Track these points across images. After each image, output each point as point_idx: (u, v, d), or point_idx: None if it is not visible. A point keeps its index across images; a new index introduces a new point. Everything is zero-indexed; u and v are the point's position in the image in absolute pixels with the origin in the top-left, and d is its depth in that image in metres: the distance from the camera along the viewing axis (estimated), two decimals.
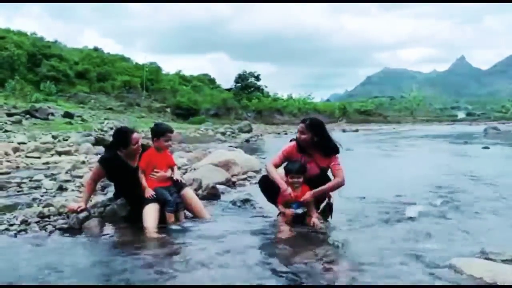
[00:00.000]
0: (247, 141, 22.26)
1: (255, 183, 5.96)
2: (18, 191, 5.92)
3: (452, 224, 4.22)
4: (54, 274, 2.85)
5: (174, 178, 4.31)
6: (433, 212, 4.75)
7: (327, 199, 4.28)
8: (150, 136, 4.49)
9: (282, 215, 4.15)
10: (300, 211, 4.06)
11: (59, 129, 20.86)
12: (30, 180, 6.71)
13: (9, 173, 7.79)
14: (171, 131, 4.39)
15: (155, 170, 4.22)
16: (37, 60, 43.15)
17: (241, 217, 4.56)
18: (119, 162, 4.26)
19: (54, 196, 5.38)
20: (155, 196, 4.10)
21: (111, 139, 4.58)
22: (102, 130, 21.76)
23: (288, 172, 4.10)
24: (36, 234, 3.84)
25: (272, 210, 4.48)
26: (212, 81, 73.59)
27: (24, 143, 12.89)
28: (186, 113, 44.19)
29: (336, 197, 4.41)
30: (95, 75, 47.35)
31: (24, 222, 4.05)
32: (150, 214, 4.04)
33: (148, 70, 53.54)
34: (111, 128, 22.54)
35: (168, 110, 45.60)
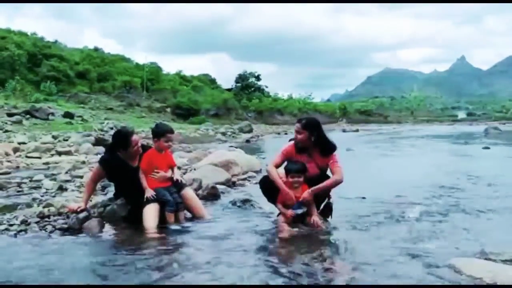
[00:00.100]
0: (248, 141, 22.29)
1: (255, 183, 5.97)
2: (18, 191, 5.93)
3: (452, 224, 4.22)
4: (54, 274, 2.85)
5: (174, 178, 4.31)
6: (433, 212, 4.75)
7: (327, 199, 4.28)
8: (150, 136, 4.49)
9: (282, 215, 4.15)
10: (300, 211, 4.06)
11: (60, 129, 20.86)
12: (30, 180, 6.72)
13: (9, 173, 7.80)
14: (172, 132, 4.38)
15: (155, 170, 4.22)
16: (38, 60, 43.19)
17: (241, 217, 4.55)
18: (119, 162, 4.27)
19: (54, 196, 5.38)
20: (155, 197, 4.10)
21: (111, 139, 4.58)
22: (102, 130, 21.75)
23: (288, 171, 4.09)
24: (36, 234, 3.84)
25: (272, 210, 4.48)
26: (212, 81, 73.59)
27: (25, 143, 12.91)
28: (186, 113, 44.17)
29: (336, 197, 4.41)
30: (96, 75, 47.38)
31: (24, 222, 4.05)
32: (150, 214, 4.04)
33: (149, 70, 53.58)
34: (111, 128, 22.53)
35: (169, 110, 45.59)
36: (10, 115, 22.77)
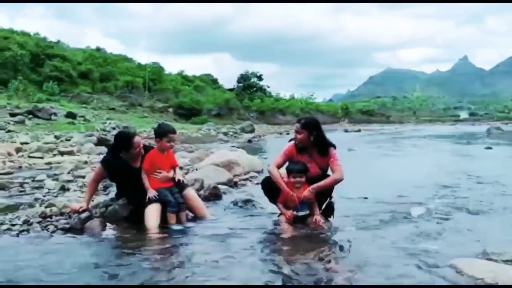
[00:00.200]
0: (250, 141, 22.30)
1: (257, 183, 5.97)
2: (21, 191, 5.94)
3: (454, 225, 4.21)
4: (56, 274, 2.85)
5: (176, 178, 4.31)
6: (435, 212, 4.73)
7: (328, 198, 4.29)
8: (152, 136, 4.50)
9: (283, 215, 4.15)
10: (301, 214, 4.06)
11: (62, 129, 20.92)
12: (32, 180, 6.74)
13: (11, 173, 7.82)
14: (174, 132, 4.39)
15: (157, 171, 4.22)
16: (40, 60, 43.31)
17: (243, 217, 4.56)
18: (121, 163, 4.27)
19: (56, 196, 5.40)
20: (157, 197, 4.11)
21: (113, 140, 4.59)
22: (104, 130, 21.80)
23: (289, 172, 4.10)
24: (38, 234, 3.85)
25: (273, 210, 4.48)
26: (214, 81, 73.65)
27: (27, 143, 12.94)
28: (188, 113, 44.21)
29: (338, 197, 4.41)
30: (98, 75, 47.49)
31: (26, 222, 4.06)
32: (152, 214, 4.05)
33: (151, 70, 53.68)
34: (114, 128, 22.59)
35: (170, 110, 45.64)
36: (12, 115, 22.84)
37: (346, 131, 37.51)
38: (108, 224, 4.13)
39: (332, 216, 4.29)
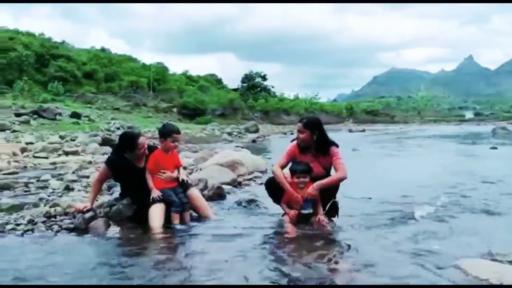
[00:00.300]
0: (254, 141, 22.30)
1: (261, 183, 5.97)
2: (25, 191, 5.97)
3: (459, 225, 4.19)
4: (60, 274, 2.86)
5: (180, 178, 4.31)
6: (439, 212, 4.72)
7: (333, 198, 4.28)
8: (157, 136, 4.50)
9: (286, 215, 4.15)
10: (305, 212, 4.05)
11: (67, 129, 20.99)
12: (37, 180, 6.76)
13: (17, 173, 7.85)
14: (178, 132, 4.39)
15: (161, 171, 4.23)
16: (45, 60, 43.53)
17: (246, 218, 4.56)
18: (125, 163, 4.28)
19: (61, 196, 5.41)
20: (161, 197, 4.12)
21: (117, 140, 4.60)
22: (109, 130, 21.86)
23: (293, 172, 4.09)
24: (43, 233, 3.86)
25: (277, 210, 4.48)
26: (218, 81, 73.73)
27: (32, 143, 12.99)
28: (192, 113, 44.28)
29: (342, 197, 4.40)
30: (103, 75, 47.67)
31: (31, 221, 4.07)
32: (156, 214, 4.05)
33: (155, 70, 53.80)
34: (118, 128, 22.65)
35: (175, 110, 45.73)
36: (18, 115, 22.96)
37: (350, 131, 37.43)
38: (112, 224, 4.14)
39: (336, 216, 4.28)
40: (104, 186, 5.40)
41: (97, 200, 4.51)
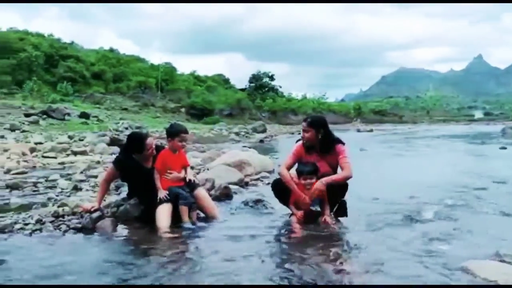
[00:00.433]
0: (261, 141, 22.30)
1: (268, 183, 5.96)
2: (34, 191, 6.02)
3: (467, 226, 4.15)
4: (67, 273, 2.88)
5: (187, 178, 4.32)
6: (447, 213, 4.69)
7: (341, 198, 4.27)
8: (164, 136, 4.51)
9: (294, 216, 4.14)
10: (314, 208, 4.03)
11: (75, 129, 21.14)
12: (46, 180, 6.81)
13: (26, 172, 7.92)
14: (186, 132, 4.40)
15: (168, 171, 4.23)
16: (54, 61, 43.90)
17: (253, 218, 4.56)
18: (133, 163, 4.29)
19: (69, 196, 5.45)
20: (168, 197, 4.12)
21: (125, 141, 4.62)
22: (117, 130, 21.99)
23: (300, 174, 4.08)
24: (51, 233, 3.88)
25: (284, 210, 4.47)
26: (226, 81, 73.86)
27: (41, 143, 13.10)
28: (200, 113, 44.40)
29: (349, 198, 4.38)
30: (111, 75, 47.96)
31: (39, 221, 4.10)
32: (163, 214, 4.06)
33: (163, 71, 54.03)
34: (126, 128, 22.78)
35: (183, 110, 45.87)
36: (27, 115, 23.16)
37: (358, 131, 37.28)
38: (119, 224, 4.15)
39: (345, 215, 4.27)
40: (112, 186, 5.42)
41: (104, 200, 4.53)
